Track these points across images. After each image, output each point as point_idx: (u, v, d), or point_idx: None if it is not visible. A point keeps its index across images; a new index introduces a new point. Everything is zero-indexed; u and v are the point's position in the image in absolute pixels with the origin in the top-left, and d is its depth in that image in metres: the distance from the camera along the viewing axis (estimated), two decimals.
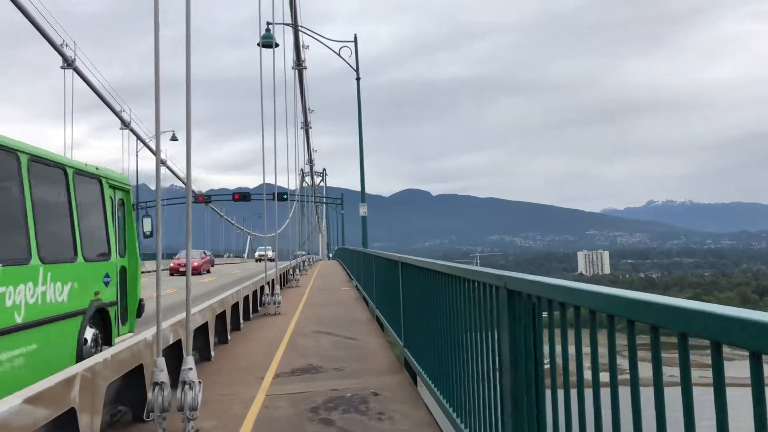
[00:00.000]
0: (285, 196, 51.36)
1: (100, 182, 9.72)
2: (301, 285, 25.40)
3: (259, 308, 15.27)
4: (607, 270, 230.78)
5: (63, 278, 7.87)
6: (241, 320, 12.67)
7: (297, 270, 28.56)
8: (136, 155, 53.73)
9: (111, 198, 10.09)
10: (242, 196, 54.79)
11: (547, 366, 3.07)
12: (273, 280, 16.24)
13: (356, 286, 22.10)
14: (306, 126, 52.04)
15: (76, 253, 8.44)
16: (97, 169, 9.76)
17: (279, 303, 15.18)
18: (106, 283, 9.48)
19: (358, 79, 29.34)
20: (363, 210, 28.99)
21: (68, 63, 30.74)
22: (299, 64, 39.45)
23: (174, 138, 54.27)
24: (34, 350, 7.09)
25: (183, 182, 64.62)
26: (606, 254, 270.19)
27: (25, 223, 7.10)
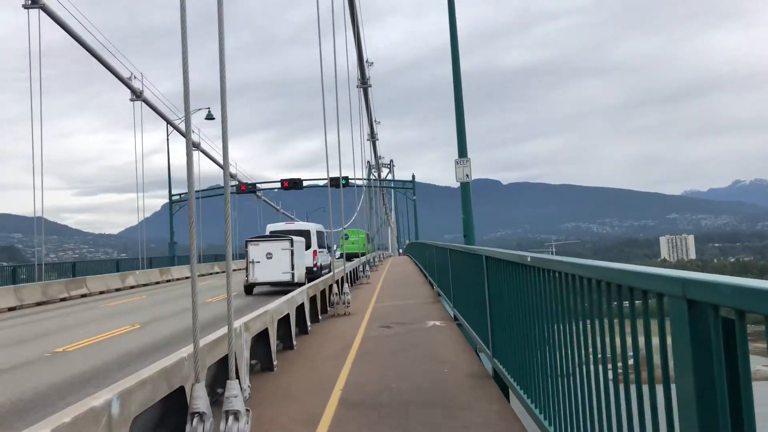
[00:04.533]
0: (344, 181, 42.60)
1: (368, 234, 60.74)
2: (354, 311, 15.52)
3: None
4: (692, 255, 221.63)
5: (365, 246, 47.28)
6: None
7: (347, 283, 17.58)
8: (167, 137, 45.56)
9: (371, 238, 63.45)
10: (292, 183, 45.50)
11: None
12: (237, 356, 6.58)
13: (454, 317, 12.26)
14: (373, 138, 56.63)
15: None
16: (368, 232, 61.51)
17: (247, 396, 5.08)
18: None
19: None
20: (462, 172, 15.84)
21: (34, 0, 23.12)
22: (364, 83, 38.73)
23: (210, 117, 45.58)
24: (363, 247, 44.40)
25: (222, 167, 56.35)
26: (691, 238, 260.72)
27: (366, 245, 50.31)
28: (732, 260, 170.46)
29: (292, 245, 22.56)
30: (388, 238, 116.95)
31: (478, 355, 9.44)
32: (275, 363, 9.17)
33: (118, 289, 31.39)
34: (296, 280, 21.75)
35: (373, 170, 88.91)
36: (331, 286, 15.83)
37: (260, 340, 9.12)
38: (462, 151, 16.71)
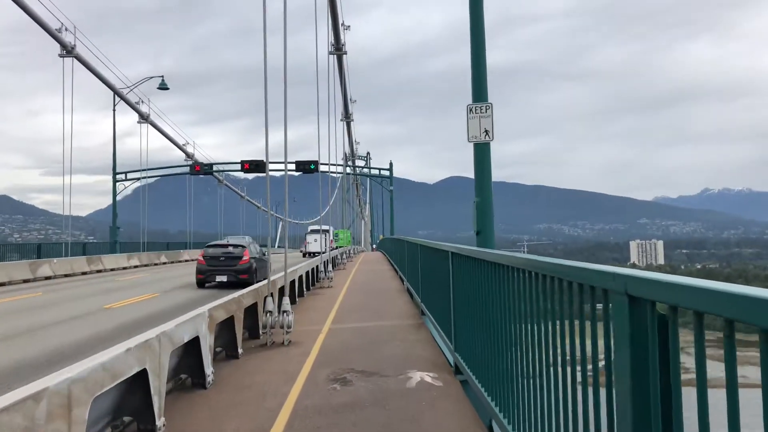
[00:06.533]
0: (312, 166, 37.61)
1: (353, 235, 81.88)
2: (297, 338, 10.37)
3: None
4: (661, 260, 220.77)
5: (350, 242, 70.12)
6: None
7: (287, 295, 11.97)
8: (114, 106, 39.80)
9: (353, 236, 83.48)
10: (254, 165, 39.76)
11: None
12: None
13: (454, 367, 7.12)
14: (347, 119, 49.24)
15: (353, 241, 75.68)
16: (349, 231, 76.78)
17: None
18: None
19: None
20: (479, 127, 9.84)
21: None
22: (338, 49, 33.25)
23: (163, 86, 39.80)
24: (348, 242, 68.87)
25: (179, 147, 50.80)
26: (660, 244, 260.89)
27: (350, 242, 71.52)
28: (699, 267, 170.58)
29: (325, 236, 34.48)
30: (361, 233, 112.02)
31: None
32: None
33: (26, 281, 25.77)
34: (326, 251, 33.13)
35: (348, 158, 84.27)
36: (265, 299, 10.52)
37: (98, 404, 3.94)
38: (479, 93, 10.53)
